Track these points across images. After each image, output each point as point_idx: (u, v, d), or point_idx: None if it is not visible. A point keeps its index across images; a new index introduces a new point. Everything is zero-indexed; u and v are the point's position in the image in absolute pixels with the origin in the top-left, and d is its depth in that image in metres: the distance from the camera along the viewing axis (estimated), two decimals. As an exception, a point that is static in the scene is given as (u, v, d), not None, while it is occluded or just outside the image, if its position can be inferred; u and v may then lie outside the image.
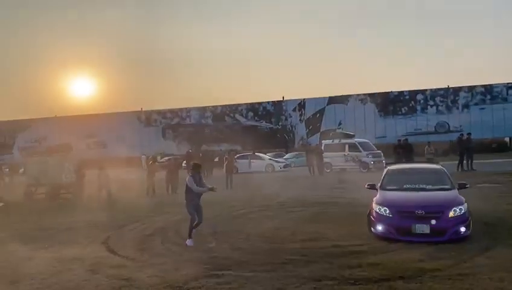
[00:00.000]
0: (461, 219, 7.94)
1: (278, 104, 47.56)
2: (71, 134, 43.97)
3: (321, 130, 43.37)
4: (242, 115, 48.70)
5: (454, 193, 8.65)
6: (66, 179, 19.12)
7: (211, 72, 79.32)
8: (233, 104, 49.24)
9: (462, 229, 7.88)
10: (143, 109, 50.60)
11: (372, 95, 44.24)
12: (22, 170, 31.52)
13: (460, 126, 39.37)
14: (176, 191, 18.55)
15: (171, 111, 50.25)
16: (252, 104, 48.71)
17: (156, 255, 7.90)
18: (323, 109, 45.10)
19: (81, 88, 63.97)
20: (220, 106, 49.31)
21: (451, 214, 7.96)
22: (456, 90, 42.21)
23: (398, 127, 41.72)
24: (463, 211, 8.03)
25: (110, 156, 37.95)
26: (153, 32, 78.50)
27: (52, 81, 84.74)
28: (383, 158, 26.03)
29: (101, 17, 77.31)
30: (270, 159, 31.57)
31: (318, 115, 45.22)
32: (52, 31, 78.14)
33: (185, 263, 7.16)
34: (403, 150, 23.34)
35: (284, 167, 30.21)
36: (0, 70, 63.15)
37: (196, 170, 8.85)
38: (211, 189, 8.68)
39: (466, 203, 8.23)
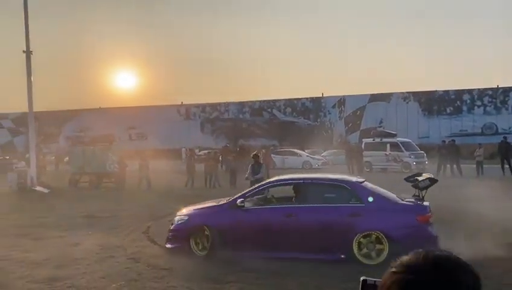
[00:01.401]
0: None
1: (316, 101, 47.04)
2: (114, 125, 45.41)
3: (361, 128, 42.56)
4: (280, 110, 48.55)
5: None
6: (109, 168, 19.69)
7: (249, 66, 79.50)
8: (272, 100, 49.15)
9: None
10: (183, 103, 51.42)
11: (415, 94, 42.90)
12: (67, 158, 32.82)
13: (510, 128, 37.51)
14: (215, 185, 18.71)
15: (210, 105, 50.78)
16: (290, 100, 48.44)
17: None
18: (364, 106, 44.20)
19: (125, 81, 65.71)
20: (258, 101, 49.35)
21: None
22: (506, 91, 40.22)
23: (443, 128, 40.23)
24: None
25: (151, 147, 38.83)
26: (195, 27, 79.55)
27: (98, 74, 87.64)
28: (425, 159, 25.21)
29: (147, 12, 79.08)
30: (308, 155, 31.27)
31: (358, 112, 44.37)
32: (101, 25, 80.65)
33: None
34: (447, 151, 22.46)
35: (322, 164, 29.84)
36: (50, 61, 66.04)
37: (255, 160, 11.13)
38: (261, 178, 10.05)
39: None
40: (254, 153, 11.19)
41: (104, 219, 11.17)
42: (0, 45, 78.50)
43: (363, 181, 7.65)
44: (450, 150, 22.43)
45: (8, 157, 33.44)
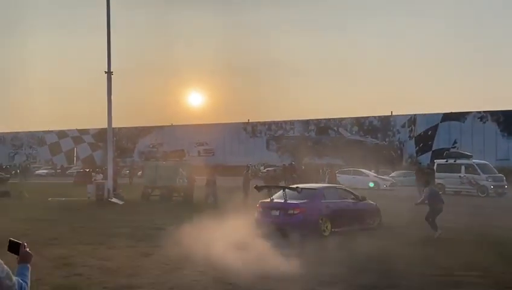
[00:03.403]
0: None
1: (385, 119, 45.75)
2: (184, 141, 47.36)
3: (433, 149, 40.60)
4: (346, 129, 47.79)
5: None
6: (179, 182, 20.50)
7: (316, 84, 79.30)
8: (338, 118, 48.55)
9: None
10: (249, 120, 52.46)
11: (494, 113, 40.26)
12: (140, 172, 34.66)
13: None
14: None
15: (276, 123, 51.28)
16: (357, 118, 47.56)
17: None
18: (437, 125, 42.24)
19: (195, 99, 68.51)
20: (324, 119, 48.98)
21: None
22: None
23: (525, 149, 37.31)
24: None
25: (218, 163, 39.85)
26: (264, 45, 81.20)
27: (170, 92, 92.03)
28: (505, 183, 23.46)
29: (216, 36, 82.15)
30: (376, 176, 30.34)
31: (430, 132, 42.45)
32: (173, 47, 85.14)
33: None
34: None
35: (390, 185, 28.78)
36: (127, 81, 70.87)
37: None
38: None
39: None
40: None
41: (173, 231, 11.60)
42: (84, 65, 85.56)
43: None
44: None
45: (88, 170, 36.06)
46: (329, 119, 48.72)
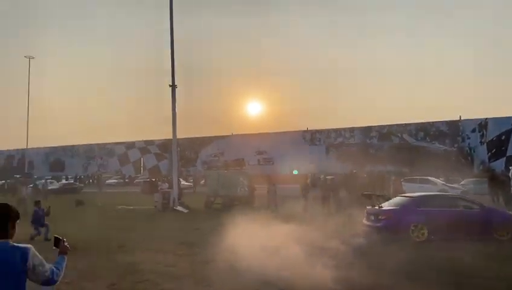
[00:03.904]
0: None
1: (453, 124, 43.46)
2: (244, 150, 48.00)
3: (507, 154, 37.90)
4: (411, 135, 45.95)
5: None
6: (240, 191, 20.79)
7: (377, 89, 77.17)
8: (402, 124, 46.86)
9: None
10: (308, 128, 52.11)
11: None
12: (203, 181, 35.58)
13: None
14: (339, 210, 18.35)
15: (335, 131, 50.51)
16: (422, 123, 45.60)
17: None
18: (510, 130, 39.40)
19: (254, 108, 69.40)
20: (387, 125, 47.48)
21: None
22: None
23: None
24: None
25: (278, 172, 39.89)
26: (322, 53, 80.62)
27: (231, 102, 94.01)
28: None
29: (273, 39, 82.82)
30: (444, 184, 28.81)
31: (504, 137, 39.67)
32: (231, 53, 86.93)
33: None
34: None
35: (461, 194, 27.15)
36: (192, 92, 73.49)
37: None
38: None
39: None
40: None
41: (237, 238, 11.74)
42: (149, 79, 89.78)
43: None
44: None
45: (154, 179, 37.63)
46: (392, 125, 47.16)
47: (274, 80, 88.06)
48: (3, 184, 40.19)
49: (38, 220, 12.27)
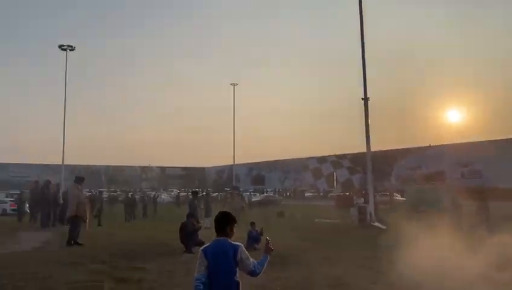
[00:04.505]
0: None
1: None
2: (444, 163, 43.87)
3: None
4: None
5: None
6: (443, 207, 19.01)
7: None
8: None
9: None
10: (525, 135, 44.41)
11: None
12: (397, 196, 33.94)
13: None
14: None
15: None
16: None
17: None
18: None
19: (453, 116, 62.99)
20: None
21: None
22: None
23: None
24: None
25: (487, 186, 35.05)
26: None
27: (426, 111, 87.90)
28: None
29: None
30: None
31: None
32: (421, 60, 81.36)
33: None
34: None
35: None
36: (380, 103, 71.52)
37: None
38: None
39: None
40: None
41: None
42: (341, 92, 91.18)
43: None
44: None
45: (348, 193, 37.70)
46: None
47: (473, 83, 78.51)
48: (216, 196, 46.20)
49: (254, 240, 12.88)
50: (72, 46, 39.98)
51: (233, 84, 59.97)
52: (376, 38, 75.99)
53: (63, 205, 18.07)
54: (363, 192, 31.46)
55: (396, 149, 55.76)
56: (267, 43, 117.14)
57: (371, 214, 20.48)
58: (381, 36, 78.74)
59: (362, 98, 22.24)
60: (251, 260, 3.71)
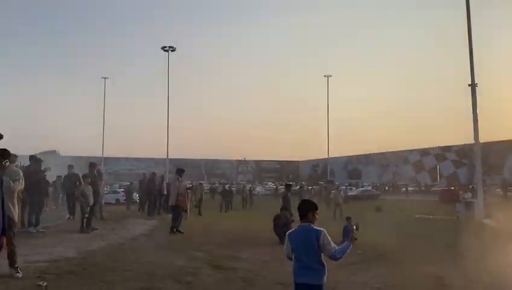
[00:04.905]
0: None
1: None
2: None
3: None
4: None
5: None
6: None
7: None
8: None
9: None
10: None
11: None
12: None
13: None
14: None
15: None
16: None
17: None
18: None
19: None
20: None
21: None
22: None
23: None
24: None
25: None
26: None
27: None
28: None
29: None
30: None
31: None
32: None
33: None
34: None
35: None
36: (492, 92, 64.91)
37: None
38: None
39: None
40: None
41: None
42: (446, 78, 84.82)
43: None
44: None
45: (453, 187, 34.96)
46: None
47: None
48: (310, 189, 45.97)
49: (347, 235, 12.65)
50: (173, 47, 42.63)
51: (327, 76, 58.96)
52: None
53: (166, 195, 19.39)
54: (471, 186, 28.95)
55: (510, 140, 50.42)
56: (357, 34, 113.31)
57: (480, 210, 18.74)
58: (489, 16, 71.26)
59: (469, 84, 20.39)
60: (332, 245, 3.89)
